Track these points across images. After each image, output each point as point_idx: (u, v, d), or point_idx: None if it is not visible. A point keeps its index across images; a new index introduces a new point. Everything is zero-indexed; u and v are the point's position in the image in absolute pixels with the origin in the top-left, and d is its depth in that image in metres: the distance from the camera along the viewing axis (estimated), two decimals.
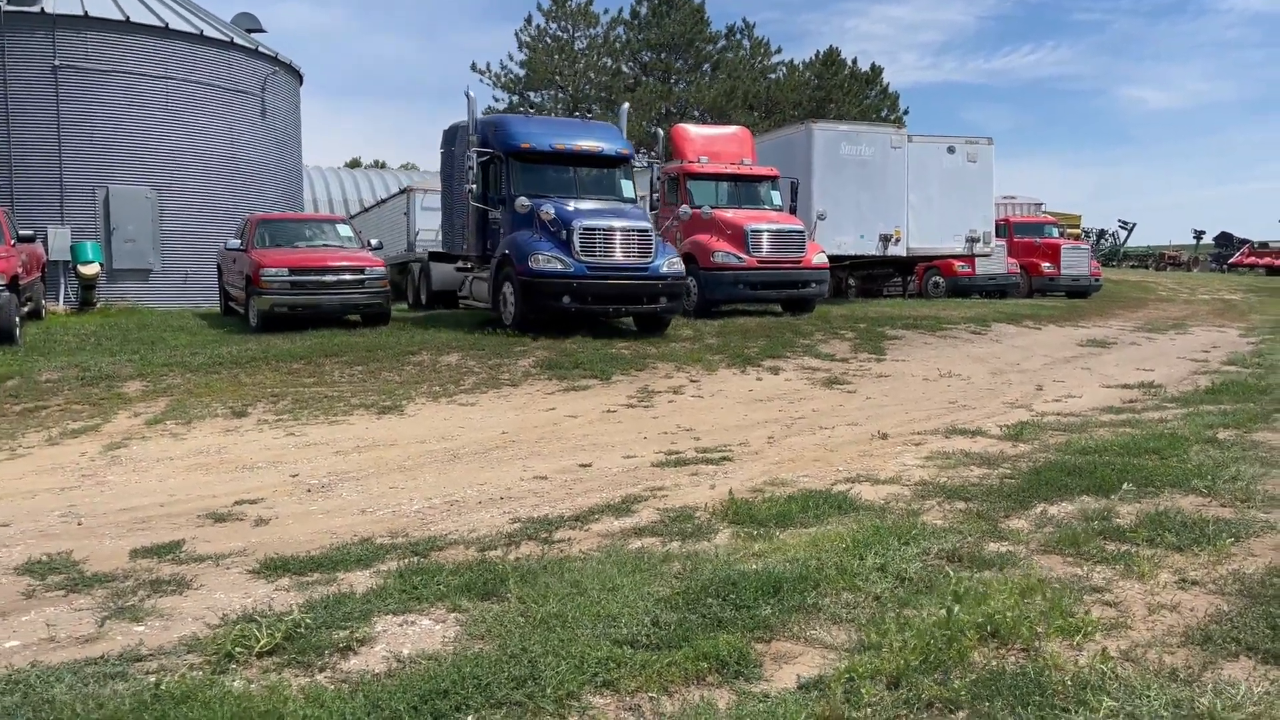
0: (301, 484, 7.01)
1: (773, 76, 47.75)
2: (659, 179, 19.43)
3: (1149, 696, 3.11)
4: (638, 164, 17.35)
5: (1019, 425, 8.36)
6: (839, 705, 3.09)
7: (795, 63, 48.04)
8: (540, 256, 13.69)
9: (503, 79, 47.38)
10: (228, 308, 18.05)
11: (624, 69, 47.77)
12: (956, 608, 3.75)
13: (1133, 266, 57.66)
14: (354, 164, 67.03)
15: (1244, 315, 24.94)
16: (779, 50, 48.87)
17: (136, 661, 3.67)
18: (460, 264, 17.67)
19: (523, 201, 14.21)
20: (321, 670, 3.54)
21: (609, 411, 10.01)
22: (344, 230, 17.80)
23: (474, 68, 46.99)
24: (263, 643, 3.70)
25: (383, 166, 65.40)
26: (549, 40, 47.45)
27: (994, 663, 3.42)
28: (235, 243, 16.57)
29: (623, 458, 7.70)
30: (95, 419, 9.71)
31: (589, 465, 7.39)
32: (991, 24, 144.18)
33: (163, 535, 5.65)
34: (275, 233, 16.84)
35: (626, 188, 16.07)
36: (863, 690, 3.19)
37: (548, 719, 3.10)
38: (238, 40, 24.05)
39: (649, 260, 14.16)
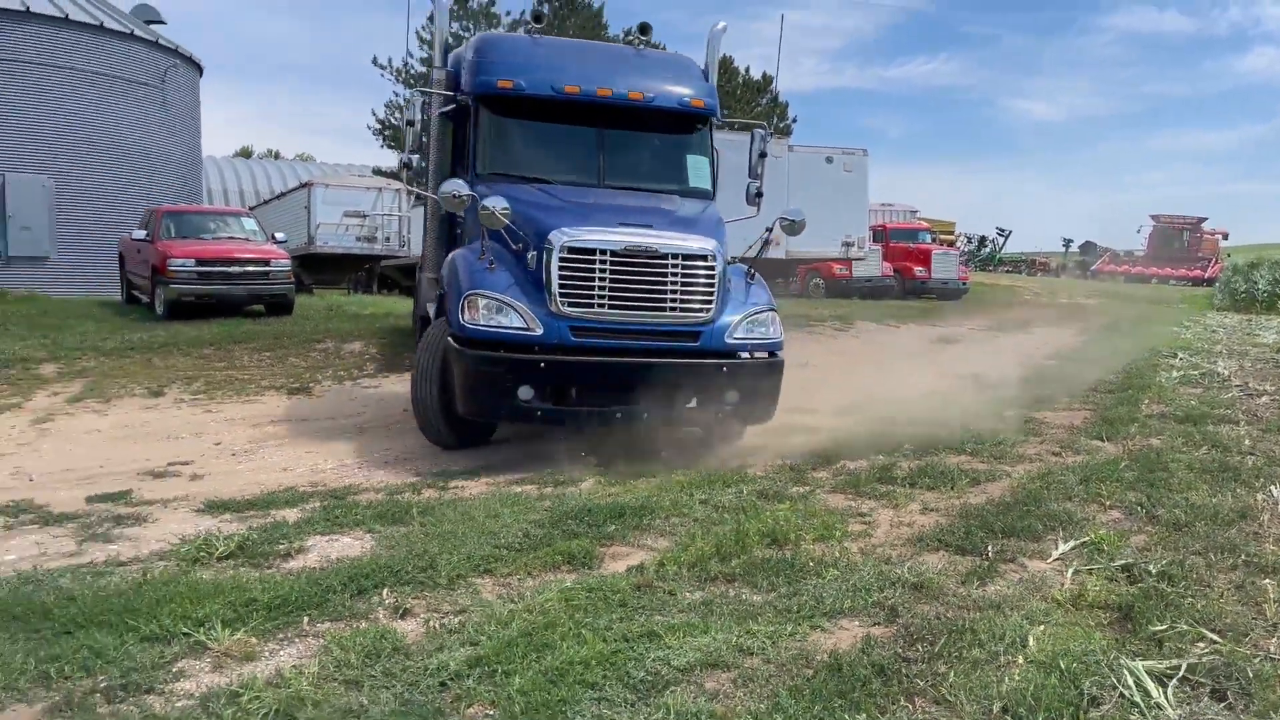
0: (225, 450, 8.01)
1: None
2: None
3: (863, 569, 4.50)
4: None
5: (848, 405, 9.86)
6: (651, 577, 4.39)
7: None
8: (481, 301, 7.19)
9: (403, 75, 47.68)
10: (131, 296, 18.48)
11: None
12: (745, 521, 5.11)
13: (1007, 272, 61.23)
14: (245, 153, 66.16)
15: (1088, 318, 27.47)
16: None
17: (120, 566, 4.74)
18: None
19: (455, 189, 7.58)
20: (270, 567, 4.68)
21: None
22: (249, 224, 18.46)
23: (375, 62, 46.96)
24: (220, 550, 4.82)
25: (277, 157, 64.88)
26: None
27: (767, 555, 4.78)
28: (140, 233, 17.07)
29: None
30: (15, 397, 10.40)
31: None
32: (889, 33, 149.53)
33: (110, 487, 6.62)
34: (181, 224, 17.40)
35: (697, 170, 9.07)
36: (669, 570, 4.50)
37: (442, 591, 4.32)
38: (138, 32, 24.25)
39: (707, 315, 7.43)
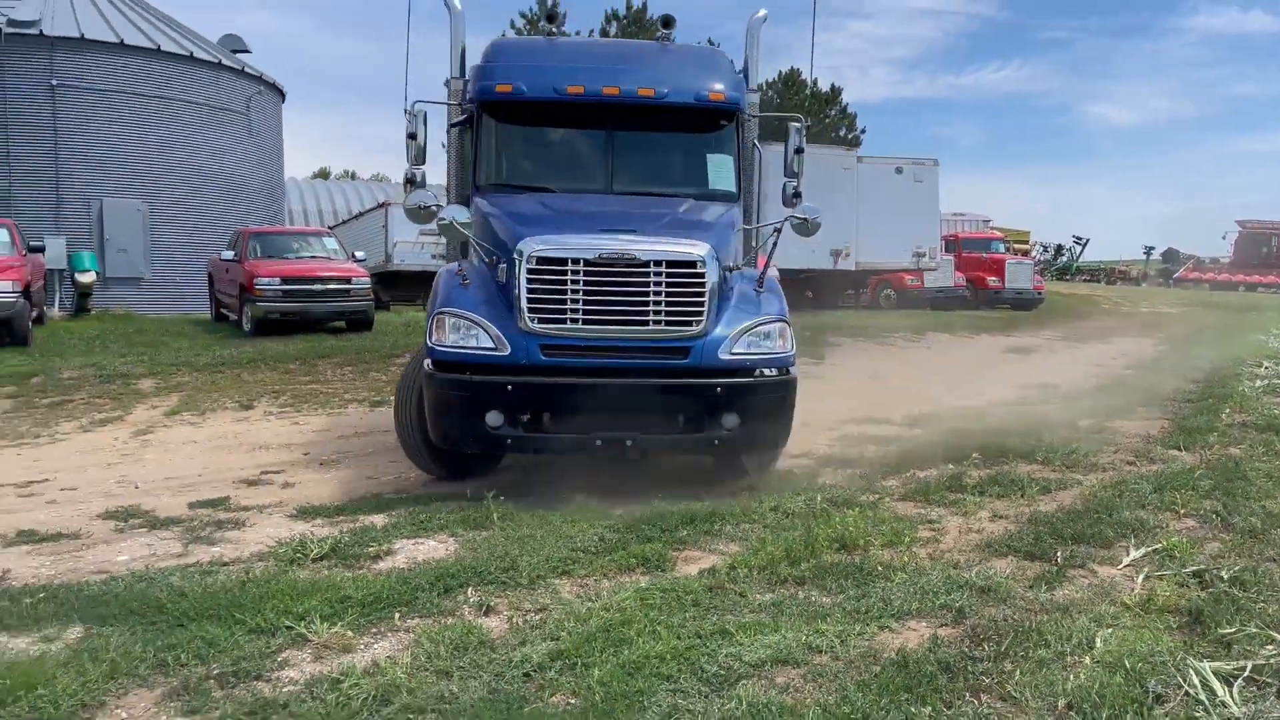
0: (314, 459, 8.39)
1: None
2: None
3: (931, 574, 4.60)
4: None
5: (919, 415, 9.88)
6: (723, 579, 4.55)
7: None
8: (449, 320, 6.68)
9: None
10: (219, 314, 19.28)
11: None
12: (815, 526, 5.24)
13: (1085, 281, 59.87)
14: (323, 174, 68.20)
15: (1169, 327, 26.78)
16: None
17: (224, 566, 5.07)
18: None
19: (420, 201, 6.97)
20: (361, 568, 4.95)
21: None
22: (330, 243, 19.15)
23: (446, 84, 48.08)
24: (315, 552, 5.12)
25: (353, 177, 66.76)
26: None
27: (836, 559, 4.89)
28: (229, 254, 17.86)
29: None
30: (118, 411, 10.99)
31: None
32: (961, 41, 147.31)
33: (209, 494, 7.01)
34: (266, 245, 18.16)
35: (719, 170, 8.21)
36: (740, 572, 4.66)
37: (523, 590, 4.53)
38: (225, 61, 25.32)
39: (697, 328, 6.57)
